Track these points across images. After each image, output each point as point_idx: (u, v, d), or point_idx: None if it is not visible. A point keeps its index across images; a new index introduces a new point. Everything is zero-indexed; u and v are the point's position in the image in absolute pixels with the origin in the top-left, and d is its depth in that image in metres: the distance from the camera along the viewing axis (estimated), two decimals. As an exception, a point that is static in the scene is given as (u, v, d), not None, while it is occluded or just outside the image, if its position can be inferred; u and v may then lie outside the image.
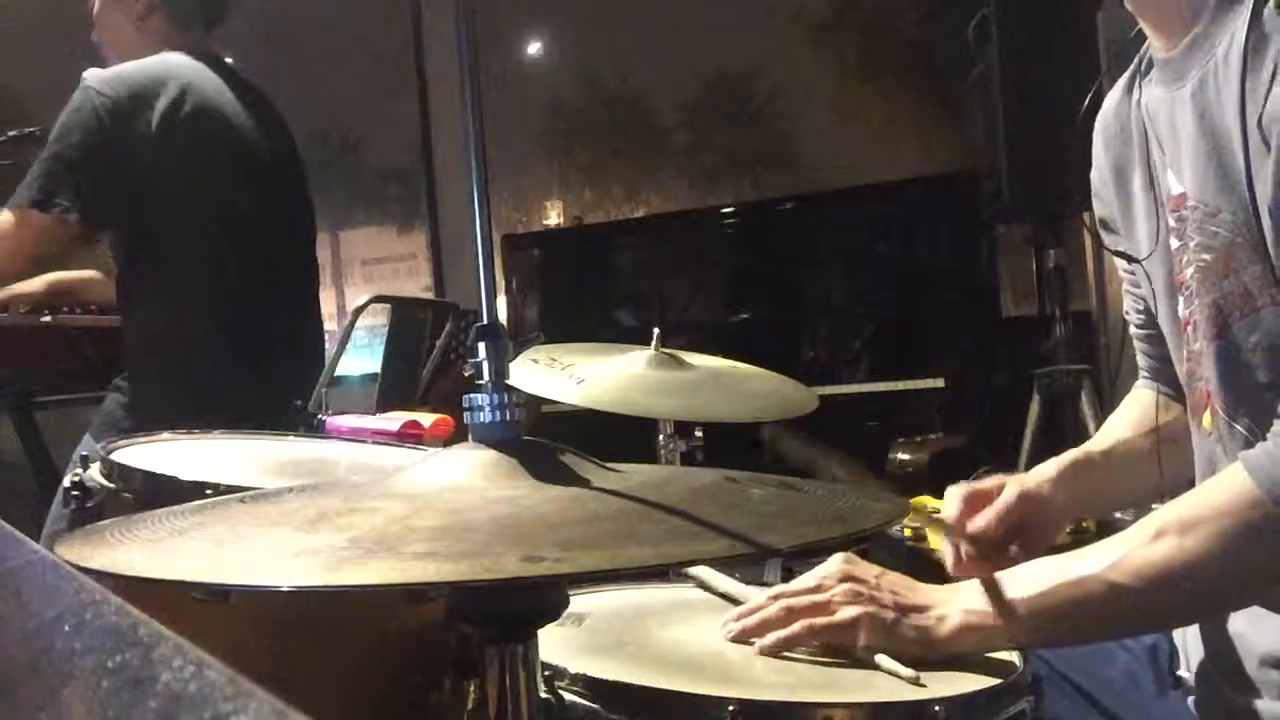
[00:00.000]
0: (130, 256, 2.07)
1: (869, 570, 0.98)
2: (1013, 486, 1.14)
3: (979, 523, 1.11)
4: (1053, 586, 0.91)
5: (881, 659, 0.89)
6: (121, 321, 2.10)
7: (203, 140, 2.05)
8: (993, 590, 0.93)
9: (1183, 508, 0.91)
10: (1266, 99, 0.86)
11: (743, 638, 0.94)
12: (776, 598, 0.95)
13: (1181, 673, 1.11)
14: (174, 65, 2.07)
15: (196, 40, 2.17)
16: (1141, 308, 1.20)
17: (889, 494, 0.96)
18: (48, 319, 2.30)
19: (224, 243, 2.08)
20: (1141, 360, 1.26)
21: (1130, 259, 1.15)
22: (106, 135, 1.96)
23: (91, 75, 2.01)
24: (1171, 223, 1.02)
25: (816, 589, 0.96)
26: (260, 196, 2.16)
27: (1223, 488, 0.89)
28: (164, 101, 2.00)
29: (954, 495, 1.15)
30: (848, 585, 0.95)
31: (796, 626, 0.92)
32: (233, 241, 2.09)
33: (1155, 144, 1.05)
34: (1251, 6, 0.88)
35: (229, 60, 2.23)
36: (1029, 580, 0.93)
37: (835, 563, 0.98)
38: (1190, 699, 1.09)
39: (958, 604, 0.93)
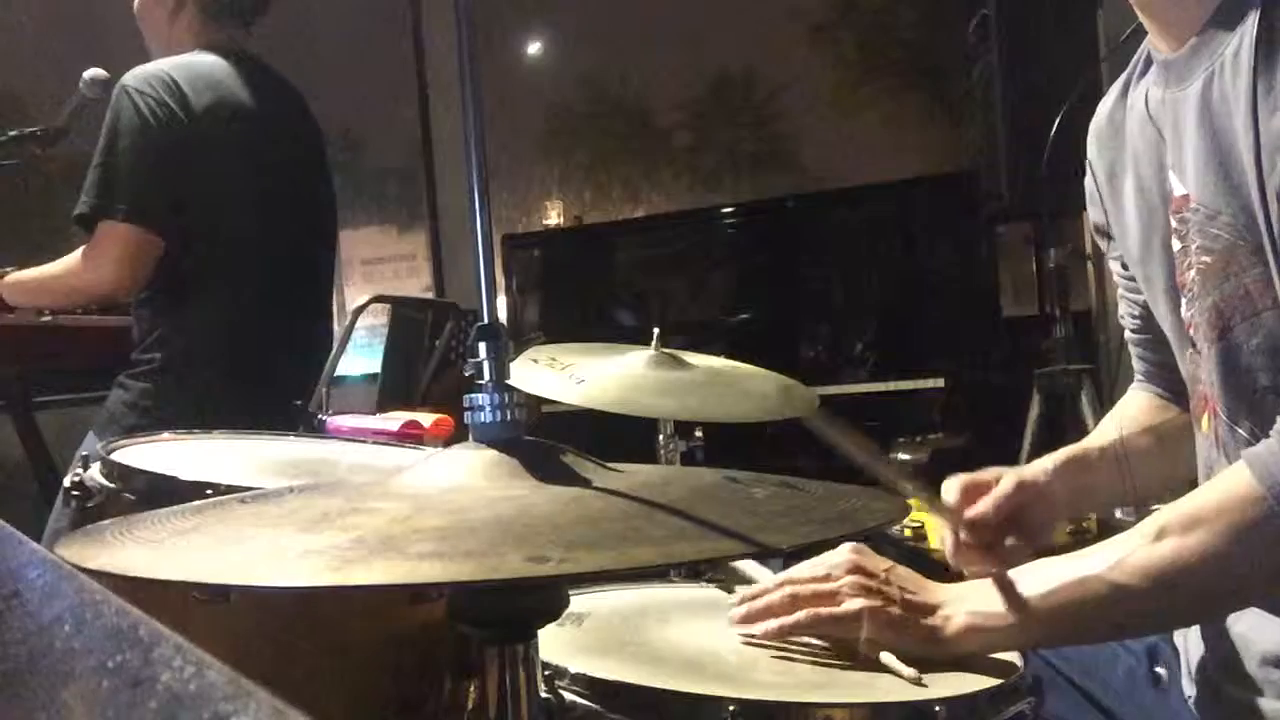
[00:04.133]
0: None
1: (879, 563, 0.97)
2: (1011, 476, 1.14)
3: (977, 510, 1.11)
4: (1057, 587, 0.91)
5: (884, 657, 0.89)
6: (133, 317, 2.10)
7: (226, 140, 2.05)
8: (998, 591, 0.93)
9: (1185, 507, 0.90)
10: None
11: (747, 621, 0.94)
12: (783, 584, 0.95)
13: (1158, 669, 1.11)
14: (199, 64, 2.07)
15: (231, 36, 2.17)
16: (1137, 312, 1.20)
17: (906, 481, 0.96)
18: (48, 319, 2.30)
19: (241, 243, 2.08)
20: (1137, 364, 1.26)
21: (1126, 266, 1.15)
22: (154, 133, 1.97)
23: (128, 76, 2.02)
24: (1174, 224, 1.01)
25: (825, 578, 0.95)
26: (281, 199, 2.16)
27: (1225, 486, 0.89)
28: (191, 100, 2.01)
29: (953, 484, 1.15)
30: (855, 577, 0.95)
31: (800, 614, 0.92)
32: (249, 242, 2.09)
33: (1153, 146, 1.05)
34: (1261, 7, 0.88)
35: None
36: (1033, 581, 0.93)
37: (845, 552, 0.98)
38: (1191, 698, 1.09)
39: (963, 604, 0.93)
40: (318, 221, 2.31)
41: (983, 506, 1.11)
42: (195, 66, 2.07)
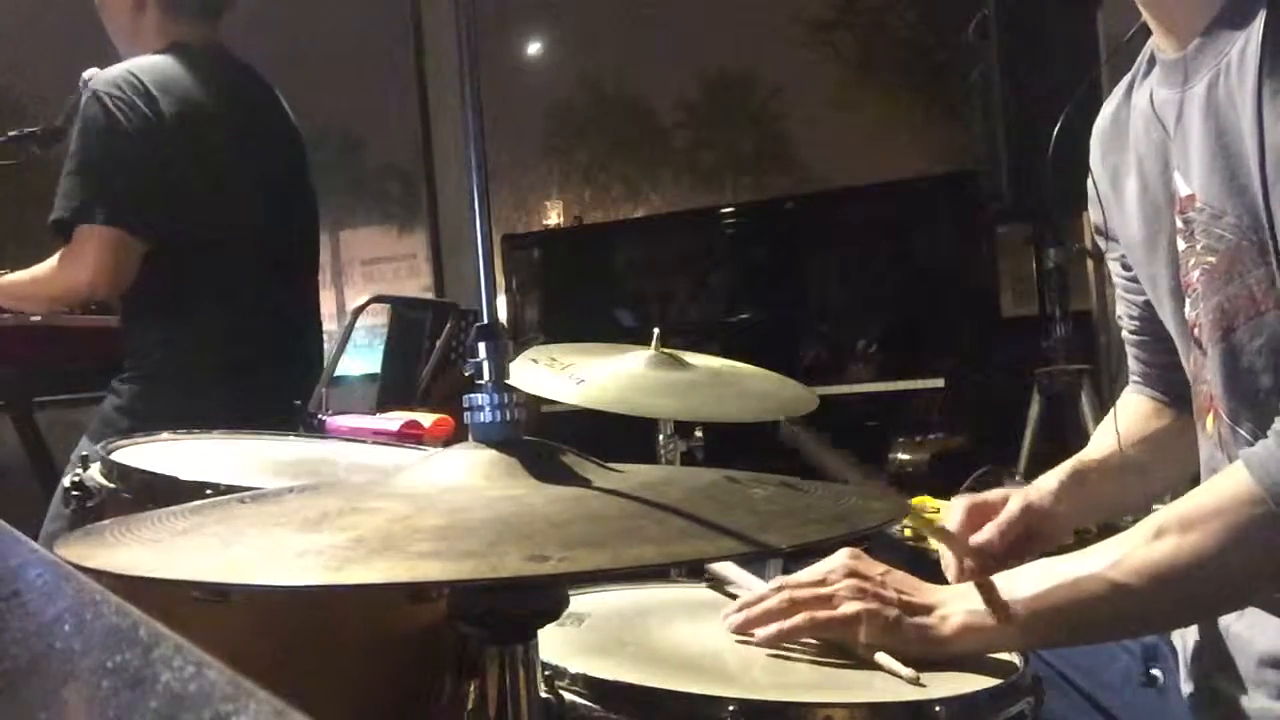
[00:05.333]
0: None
1: (874, 567, 0.98)
2: (1016, 499, 1.14)
3: (982, 536, 1.11)
4: (1054, 587, 0.91)
5: (881, 657, 0.89)
6: (121, 321, 2.10)
7: (198, 141, 2.04)
8: (995, 591, 0.93)
9: (1183, 506, 0.91)
10: None
11: (745, 628, 0.94)
12: (780, 589, 0.95)
13: (1154, 671, 1.11)
14: (166, 65, 2.05)
15: (198, 31, 2.13)
16: (1135, 313, 1.21)
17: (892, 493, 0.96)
18: (48, 319, 2.30)
19: (227, 245, 2.07)
20: (1133, 365, 1.26)
21: (1127, 267, 1.15)
22: (126, 134, 1.95)
23: (96, 80, 2.00)
24: (1179, 224, 1.01)
25: (821, 582, 0.95)
26: (258, 197, 2.15)
27: (1223, 486, 0.89)
28: (160, 102, 1.99)
29: (957, 507, 1.15)
30: (852, 580, 0.95)
31: (798, 618, 0.92)
32: (235, 243, 2.08)
33: (1159, 145, 1.05)
34: (1268, 9, 0.88)
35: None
36: (1031, 581, 0.93)
37: (841, 557, 0.98)
38: (1188, 692, 1.09)
39: (961, 604, 0.93)
40: (299, 216, 2.29)
41: (988, 534, 1.11)
42: (163, 68, 2.04)
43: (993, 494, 1.16)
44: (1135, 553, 0.90)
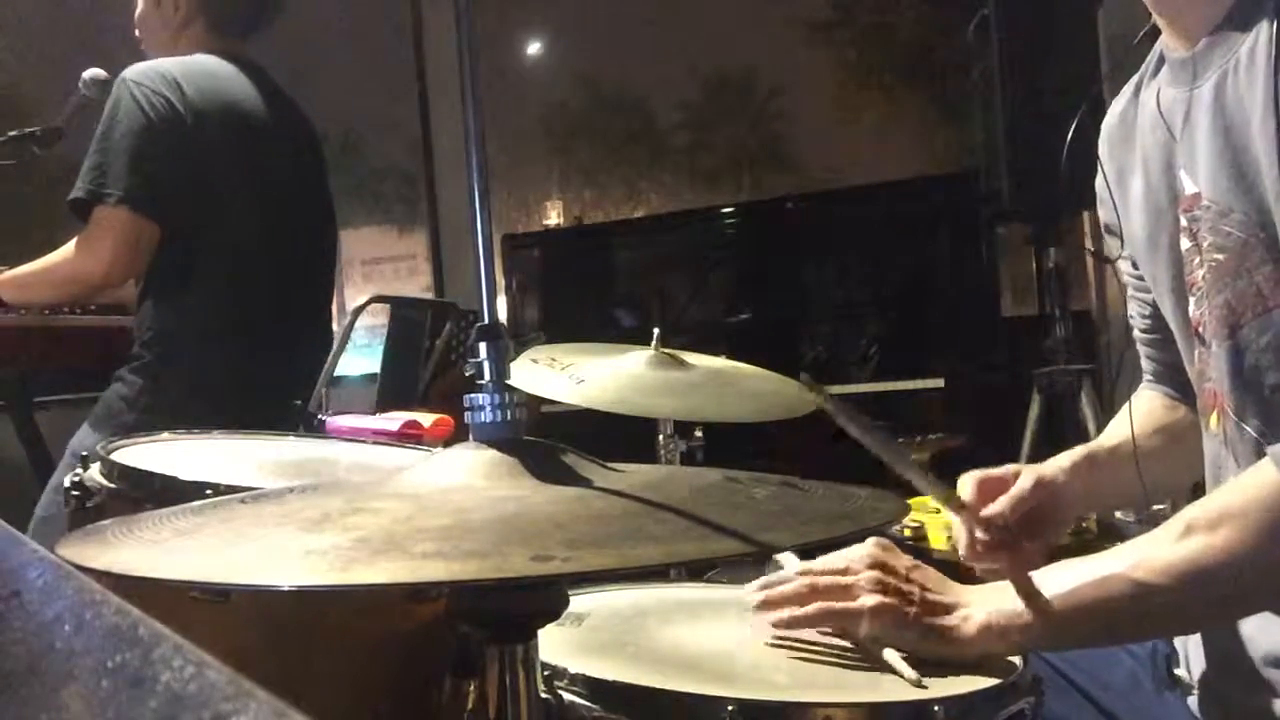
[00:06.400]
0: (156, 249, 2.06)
1: (901, 559, 0.96)
2: (1028, 475, 1.14)
3: (994, 508, 1.10)
4: (1079, 586, 0.90)
5: (889, 655, 0.88)
6: (138, 311, 2.10)
7: (224, 138, 2.07)
8: (1020, 593, 0.92)
9: (1210, 504, 0.90)
10: None
11: (766, 606, 0.94)
12: (804, 573, 0.95)
13: (1178, 672, 1.10)
14: (200, 63, 2.09)
15: (233, 47, 2.19)
16: (1147, 312, 1.20)
17: (924, 477, 0.96)
18: (48, 319, 2.30)
19: (238, 240, 2.08)
20: (1145, 364, 1.26)
21: (1136, 265, 1.15)
22: (151, 123, 1.98)
23: (128, 70, 2.03)
24: (1184, 223, 1.01)
25: (844, 571, 0.95)
26: (280, 201, 2.17)
27: (1252, 483, 0.88)
28: (191, 97, 2.02)
29: (969, 480, 1.14)
30: (874, 573, 0.94)
31: (812, 607, 0.91)
32: (247, 240, 2.10)
33: (1163, 146, 1.04)
34: (1277, 7, 0.88)
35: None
36: (1054, 581, 0.92)
37: (869, 545, 0.97)
38: (1192, 699, 1.09)
39: (984, 604, 0.92)
40: (316, 227, 2.32)
41: (999, 506, 1.10)
42: (196, 65, 2.08)
43: (1003, 469, 1.15)
44: (1162, 551, 0.88)
